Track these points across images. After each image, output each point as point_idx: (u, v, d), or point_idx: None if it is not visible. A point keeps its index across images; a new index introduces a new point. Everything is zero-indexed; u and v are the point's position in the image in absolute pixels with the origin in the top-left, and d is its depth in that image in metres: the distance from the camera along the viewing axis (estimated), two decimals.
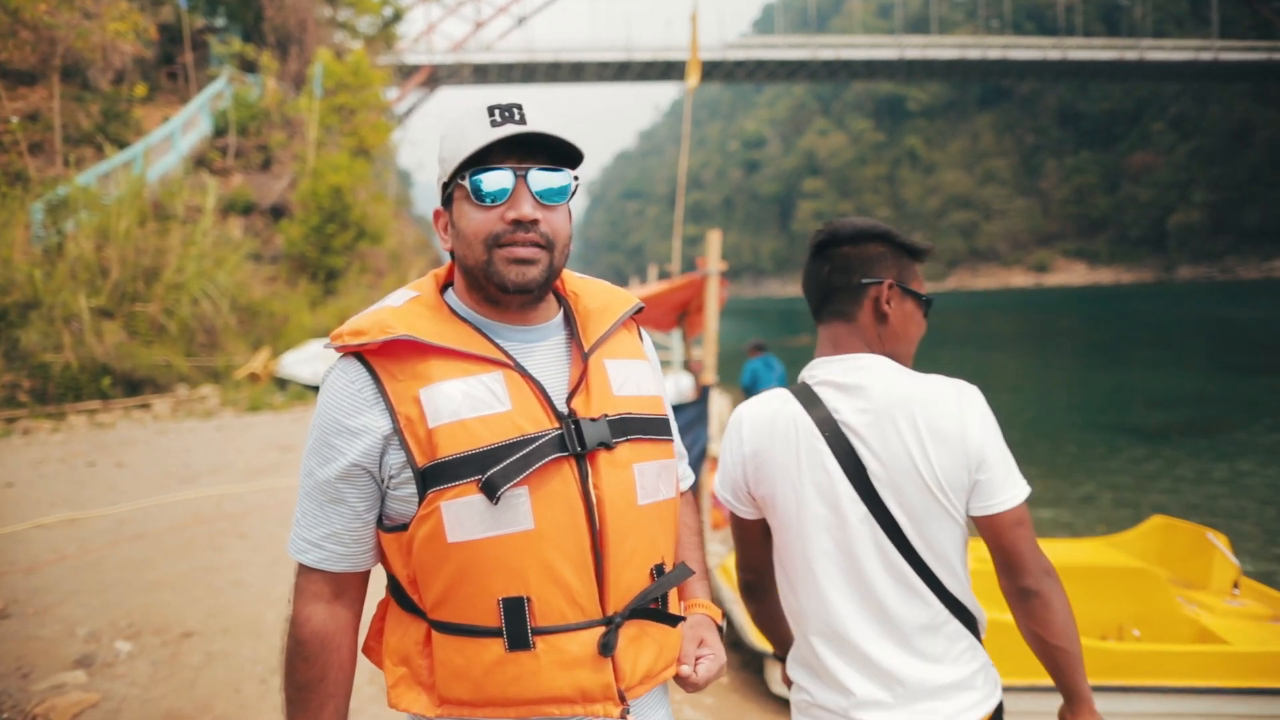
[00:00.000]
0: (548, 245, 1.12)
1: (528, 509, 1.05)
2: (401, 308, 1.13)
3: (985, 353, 27.96)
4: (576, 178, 1.15)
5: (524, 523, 1.04)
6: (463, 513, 1.03)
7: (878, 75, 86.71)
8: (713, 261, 4.86)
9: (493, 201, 1.09)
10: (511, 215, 1.09)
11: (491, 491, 1.02)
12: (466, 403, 1.06)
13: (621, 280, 17.26)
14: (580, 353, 1.18)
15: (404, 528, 1.09)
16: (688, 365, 8.71)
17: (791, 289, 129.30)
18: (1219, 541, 4.29)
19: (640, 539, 1.13)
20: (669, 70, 69.82)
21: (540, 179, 1.10)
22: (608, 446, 1.11)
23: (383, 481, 1.10)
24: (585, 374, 1.15)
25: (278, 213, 19.27)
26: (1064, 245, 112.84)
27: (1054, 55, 76.29)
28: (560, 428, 1.09)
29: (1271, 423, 12.57)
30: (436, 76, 53.86)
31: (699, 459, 5.58)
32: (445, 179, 1.13)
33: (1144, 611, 3.99)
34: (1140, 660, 3.44)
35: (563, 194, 1.13)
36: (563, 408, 1.12)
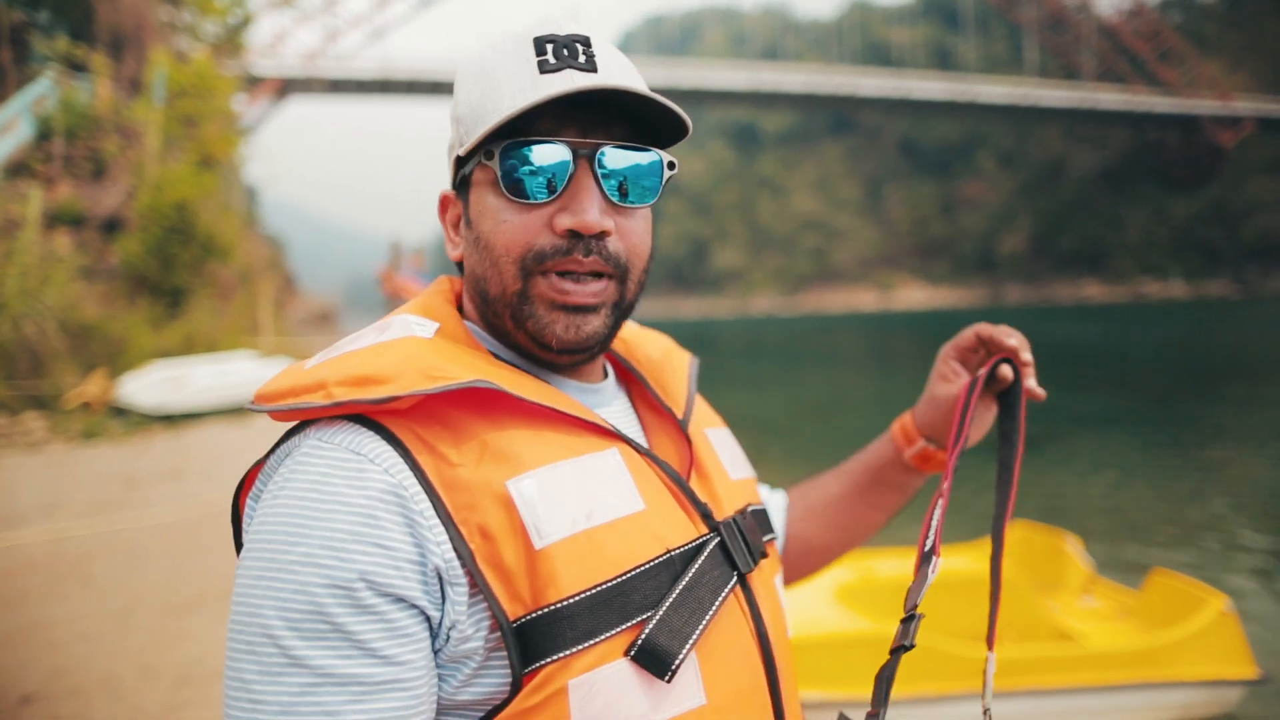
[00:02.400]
0: (618, 274, 0.71)
1: (696, 673, 0.64)
2: (435, 341, 0.69)
3: (839, 372, 29.31)
4: (672, 165, 0.73)
5: (692, 698, 0.64)
6: (602, 697, 0.60)
7: (735, 102, 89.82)
8: None
9: (538, 197, 0.68)
10: (566, 223, 0.68)
11: (659, 664, 0.61)
12: (586, 501, 0.64)
13: None
14: (674, 423, 0.80)
15: None
16: None
17: (650, 310, 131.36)
18: (1074, 545, 4.64)
19: (794, 686, 0.79)
20: None
21: (617, 161, 0.69)
22: (763, 556, 0.76)
23: (440, 647, 0.62)
24: (693, 453, 0.78)
25: (113, 226, 17.86)
26: (906, 267, 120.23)
27: (896, 90, 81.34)
28: (709, 535, 0.70)
29: (1097, 432, 13.77)
30: (288, 88, 51.63)
31: None
32: (462, 149, 0.71)
33: (1011, 616, 4.25)
34: (1010, 665, 3.65)
35: (651, 190, 0.72)
36: (704, 504, 0.73)
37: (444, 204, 0.78)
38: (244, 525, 0.67)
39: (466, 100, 0.71)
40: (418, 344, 0.67)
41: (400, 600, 0.58)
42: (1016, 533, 4.97)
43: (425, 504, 0.60)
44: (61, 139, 18.66)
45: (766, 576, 0.78)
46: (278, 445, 0.67)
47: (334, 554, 0.57)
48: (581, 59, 0.69)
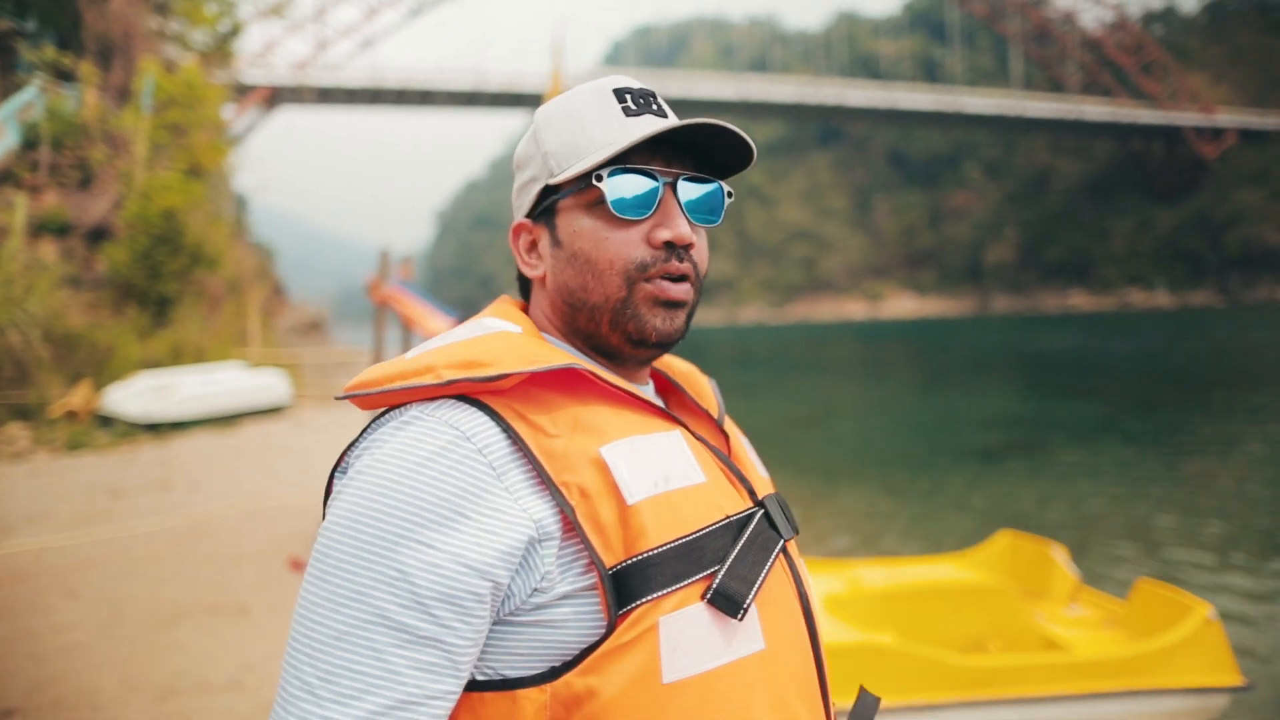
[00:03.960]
0: (696, 280, 0.85)
1: (756, 621, 0.73)
2: (525, 336, 0.80)
3: (827, 380, 29.37)
4: (730, 194, 0.88)
5: (755, 641, 0.73)
6: (687, 633, 0.69)
7: (723, 113, 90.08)
8: None
9: (638, 215, 0.80)
10: (664, 235, 0.80)
11: (732, 605, 0.70)
12: (664, 468, 0.74)
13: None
14: (711, 421, 0.93)
15: (543, 678, 0.69)
16: None
17: None
18: (1060, 554, 4.66)
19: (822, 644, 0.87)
20: (520, 99, 69.85)
21: (689, 190, 0.83)
22: (797, 531, 0.85)
23: (511, 604, 0.69)
24: (730, 445, 0.91)
25: (99, 235, 17.77)
26: (895, 277, 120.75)
27: (883, 101, 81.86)
28: (754, 508, 0.79)
29: (1083, 441, 13.85)
30: (277, 97, 51.54)
31: None
32: (554, 179, 0.83)
33: (998, 624, 4.27)
34: (998, 674, 3.67)
35: (714, 213, 0.86)
36: (748, 482, 0.84)
37: (518, 231, 0.89)
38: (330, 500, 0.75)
39: (556, 139, 0.84)
40: (512, 337, 0.79)
41: (475, 571, 0.66)
42: (1003, 542, 5.00)
43: (520, 474, 0.70)
44: (48, 147, 18.59)
45: (796, 550, 0.88)
46: (370, 425, 0.76)
47: (432, 513, 0.66)
48: (654, 106, 0.86)
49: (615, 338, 0.83)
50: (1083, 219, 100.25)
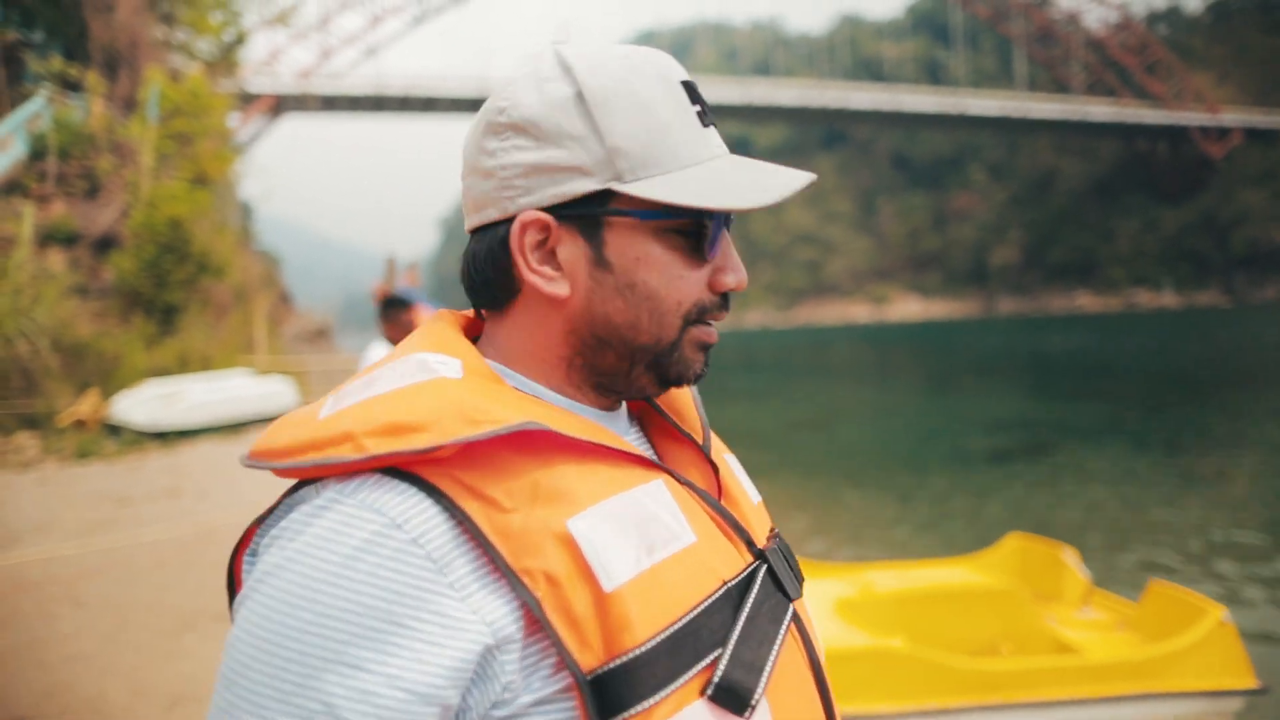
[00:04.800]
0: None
1: (766, 708, 0.61)
2: (468, 381, 0.63)
3: (832, 384, 29.33)
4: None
5: None
6: None
7: (727, 116, 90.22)
8: None
9: (711, 255, 0.68)
10: (730, 282, 0.69)
11: (738, 701, 0.58)
12: (648, 534, 0.60)
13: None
14: (695, 449, 0.77)
15: None
16: None
17: None
18: (1071, 556, 4.63)
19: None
20: None
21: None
22: (802, 581, 0.74)
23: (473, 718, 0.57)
24: (720, 480, 0.76)
25: (106, 244, 17.86)
26: (900, 279, 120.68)
27: (887, 104, 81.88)
28: (755, 563, 0.67)
29: (1093, 442, 13.80)
30: (282, 105, 51.79)
31: None
32: (620, 184, 0.65)
33: (1009, 628, 4.24)
34: (1010, 677, 3.64)
35: None
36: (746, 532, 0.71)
37: (529, 227, 0.66)
38: (240, 587, 0.62)
39: (629, 134, 0.65)
40: (450, 385, 0.61)
41: (418, 697, 0.53)
42: (1013, 544, 4.97)
43: (468, 565, 0.55)
44: (55, 157, 18.71)
45: (804, 607, 0.75)
46: (282, 500, 0.61)
47: (350, 645, 0.52)
48: (710, 116, 0.72)
49: (645, 379, 0.70)
50: (1088, 220, 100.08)
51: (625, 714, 0.54)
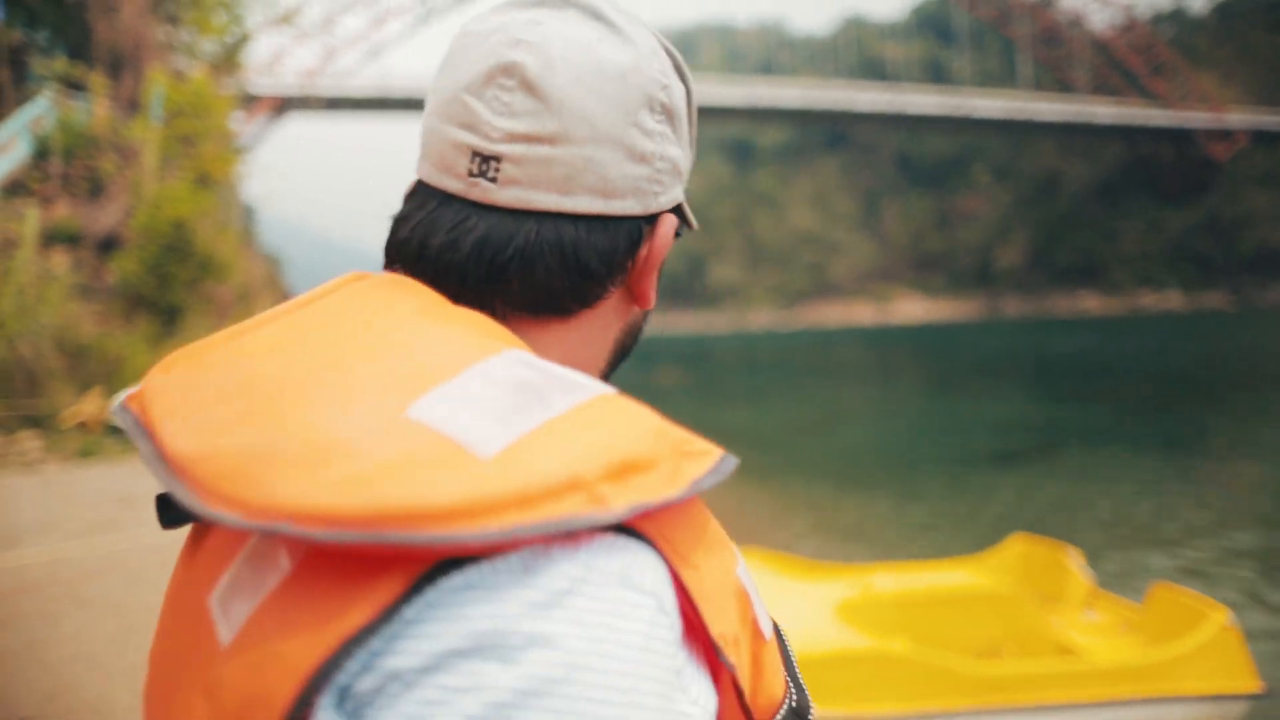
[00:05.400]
0: None
1: None
2: (644, 409, 0.47)
3: (835, 385, 29.29)
4: None
5: None
6: None
7: (731, 118, 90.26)
8: None
9: None
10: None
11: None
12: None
13: None
14: None
15: None
16: None
17: (648, 325, 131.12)
18: (1075, 558, 4.62)
19: None
20: None
21: None
22: None
23: None
24: None
25: (110, 244, 17.89)
26: (903, 281, 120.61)
27: (891, 105, 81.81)
28: None
29: (1096, 444, 13.76)
30: (285, 106, 51.88)
31: None
32: (683, 183, 0.61)
33: (1012, 630, 4.23)
34: (1012, 680, 3.63)
35: None
36: None
37: (673, 228, 0.58)
38: None
39: (688, 135, 0.60)
40: (627, 401, 0.46)
41: None
42: (1017, 546, 4.96)
43: (682, 642, 0.42)
44: (59, 158, 18.75)
45: None
46: (420, 586, 0.36)
47: None
48: None
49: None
50: (1092, 221, 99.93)
51: None
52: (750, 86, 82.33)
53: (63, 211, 17.79)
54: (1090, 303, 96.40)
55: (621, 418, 0.43)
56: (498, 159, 0.50)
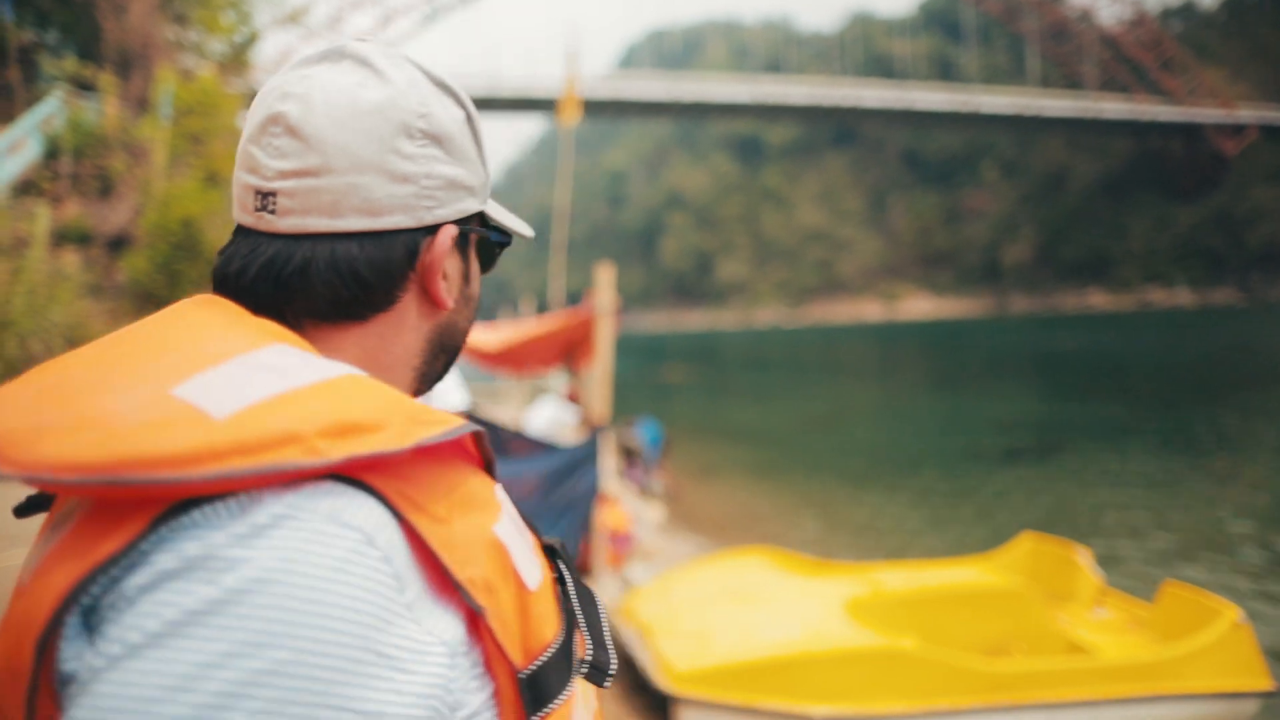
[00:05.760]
0: None
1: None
2: (386, 386, 0.56)
3: (843, 383, 29.23)
4: None
5: (592, 700, 0.67)
6: (576, 715, 0.60)
7: (738, 115, 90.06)
8: (605, 297, 4.84)
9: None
10: (478, 290, 0.74)
11: (600, 674, 0.62)
12: (524, 536, 0.61)
13: (488, 315, 17.08)
14: None
15: None
16: (569, 397, 8.64)
17: (654, 322, 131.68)
18: (1084, 556, 4.60)
19: None
20: (535, 104, 70.10)
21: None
22: None
23: None
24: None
25: (119, 243, 17.98)
26: (911, 277, 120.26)
27: (898, 101, 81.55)
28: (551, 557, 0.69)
29: (1105, 442, 13.70)
30: None
31: (589, 497, 5.54)
32: (485, 207, 0.70)
33: (1021, 628, 4.22)
34: (1022, 678, 3.62)
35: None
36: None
37: (453, 241, 0.67)
38: (63, 653, 0.44)
39: (488, 161, 0.71)
40: (377, 384, 0.55)
41: (425, 701, 0.48)
42: (1025, 544, 4.94)
43: (418, 582, 0.50)
44: (69, 157, 18.84)
45: None
46: (148, 529, 0.44)
47: (332, 686, 0.43)
48: None
49: (430, 380, 0.72)
50: (1101, 217, 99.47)
51: (556, 700, 0.55)
52: (757, 84, 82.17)
53: (73, 210, 17.88)
54: (1098, 299, 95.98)
55: (359, 392, 0.52)
56: (274, 194, 0.60)
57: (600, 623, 0.64)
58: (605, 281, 4.86)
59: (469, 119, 0.68)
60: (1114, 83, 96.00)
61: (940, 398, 23.23)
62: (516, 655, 0.54)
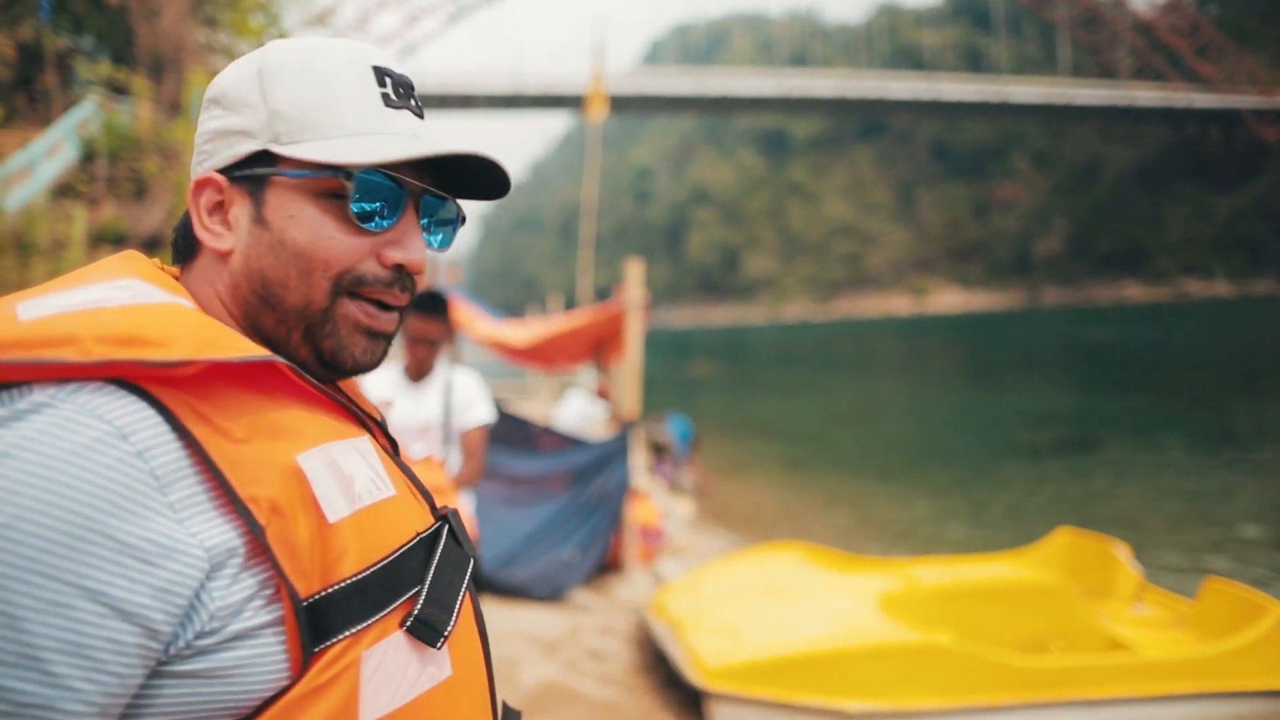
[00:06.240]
0: (406, 308, 0.75)
1: (447, 654, 0.67)
2: (200, 315, 0.63)
3: (873, 377, 28.99)
4: (464, 219, 0.79)
5: (444, 668, 0.66)
6: (385, 667, 0.60)
7: (764, 109, 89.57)
8: (634, 293, 4.82)
9: (376, 227, 0.69)
10: (398, 257, 0.70)
11: (432, 634, 0.63)
12: (360, 480, 0.64)
13: (516, 311, 17.11)
14: (378, 428, 0.78)
15: None
16: (599, 393, 8.64)
17: (680, 317, 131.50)
18: (1123, 551, 4.52)
19: None
20: (560, 101, 70.24)
21: (432, 208, 0.74)
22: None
23: (175, 647, 0.54)
24: (398, 452, 0.81)
25: (154, 244, 18.27)
26: (941, 271, 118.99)
27: (926, 93, 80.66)
28: (439, 523, 0.72)
29: (1142, 436, 13.47)
30: None
31: (620, 492, 5.54)
32: (277, 146, 0.68)
33: (1059, 624, 4.15)
34: (1060, 675, 3.56)
35: (447, 240, 0.78)
36: (429, 494, 0.77)
37: (201, 187, 0.71)
38: None
39: (291, 99, 0.68)
40: (185, 312, 0.62)
41: (117, 613, 0.50)
42: (1063, 539, 4.86)
43: (191, 488, 0.54)
44: (104, 160, 19.18)
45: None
46: None
47: (46, 553, 0.48)
48: (413, 103, 0.73)
49: (304, 352, 0.70)
50: (1136, 208, 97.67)
51: (338, 637, 0.57)
52: (783, 77, 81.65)
53: (109, 212, 18.20)
54: (1133, 291, 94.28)
55: (163, 316, 0.59)
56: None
57: (451, 588, 0.67)
58: (634, 277, 4.85)
59: (260, 71, 0.70)
60: (1148, 70, 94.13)
61: (971, 392, 22.98)
62: (300, 582, 0.56)
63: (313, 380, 0.66)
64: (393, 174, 0.68)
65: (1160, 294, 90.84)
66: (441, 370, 3.11)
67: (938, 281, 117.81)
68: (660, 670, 4.21)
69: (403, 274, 0.71)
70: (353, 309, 0.69)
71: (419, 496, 0.73)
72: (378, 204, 0.69)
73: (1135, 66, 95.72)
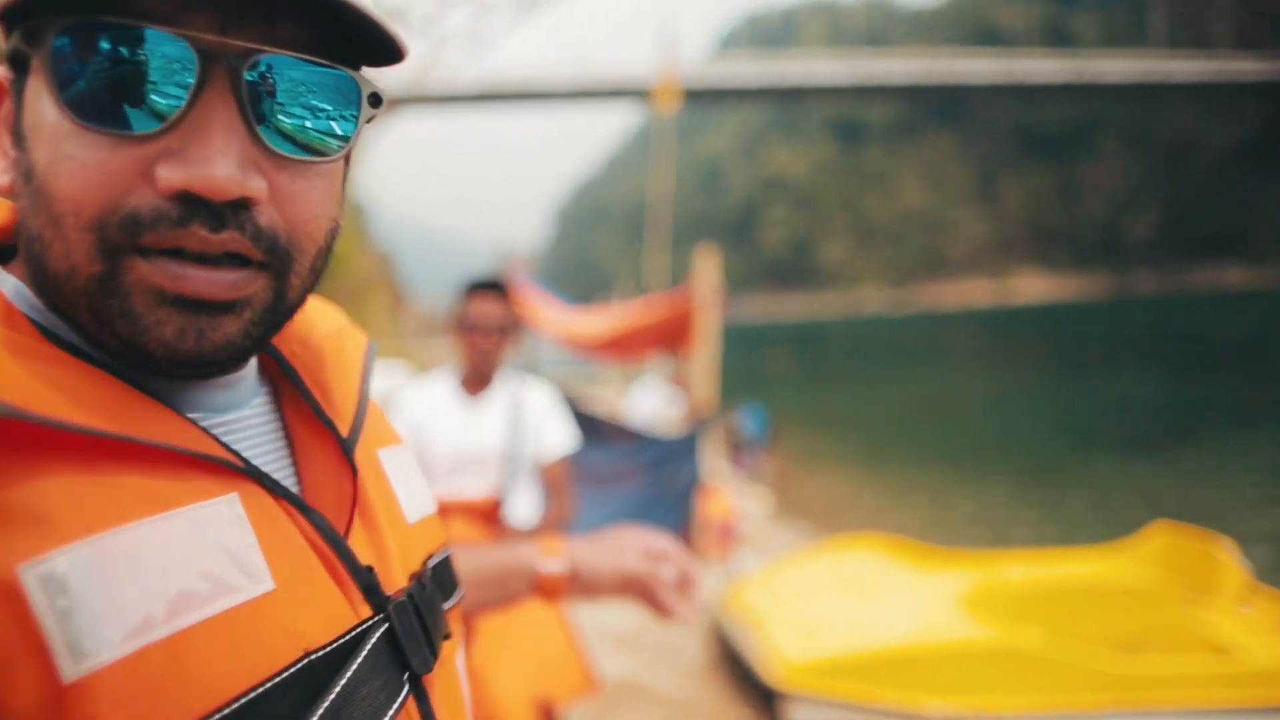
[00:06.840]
0: (273, 263, 0.43)
1: None
2: None
3: (954, 370, 28.32)
4: (377, 99, 0.48)
5: None
6: None
7: (837, 98, 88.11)
8: (709, 283, 4.76)
9: (137, 126, 0.39)
10: (176, 179, 0.39)
11: None
12: (171, 586, 0.37)
13: (589, 300, 17.19)
14: (334, 443, 0.52)
15: None
16: (675, 382, 8.55)
17: (751, 310, 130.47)
18: (1228, 548, 4.27)
19: None
20: (629, 93, 70.56)
21: (282, 81, 0.42)
22: (446, 638, 0.53)
23: None
24: (357, 488, 0.51)
25: None
26: (1024, 257, 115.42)
27: (1007, 75, 78.12)
28: (373, 619, 0.46)
29: (1244, 428, 12.82)
30: (396, 104, 53.88)
31: (690, 487, 5.51)
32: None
33: (1157, 626, 3.95)
34: (1159, 680, 3.39)
35: (336, 134, 0.45)
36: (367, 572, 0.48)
37: None
38: None
39: None
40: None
41: None
42: (1160, 535, 4.63)
43: None
44: None
45: (448, 663, 0.54)
46: None
47: None
48: None
49: (107, 336, 0.42)
50: (1235, 187, 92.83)
51: None
52: (856, 62, 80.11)
53: None
54: (1233, 275, 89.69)
55: None
56: None
57: None
58: (708, 266, 4.80)
59: None
60: (1249, 40, 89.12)
61: (1059, 384, 22.23)
62: None
63: (101, 425, 0.38)
64: (159, 26, 0.38)
65: (1265, 278, 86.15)
66: (508, 383, 2.41)
67: (1021, 268, 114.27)
68: (733, 667, 4.17)
69: (201, 205, 0.39)
70: (145, 271, 0.40)
71: (345, 579, 0.46)
72: (145, 86, 0.39)
73: (1235, 37, 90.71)
